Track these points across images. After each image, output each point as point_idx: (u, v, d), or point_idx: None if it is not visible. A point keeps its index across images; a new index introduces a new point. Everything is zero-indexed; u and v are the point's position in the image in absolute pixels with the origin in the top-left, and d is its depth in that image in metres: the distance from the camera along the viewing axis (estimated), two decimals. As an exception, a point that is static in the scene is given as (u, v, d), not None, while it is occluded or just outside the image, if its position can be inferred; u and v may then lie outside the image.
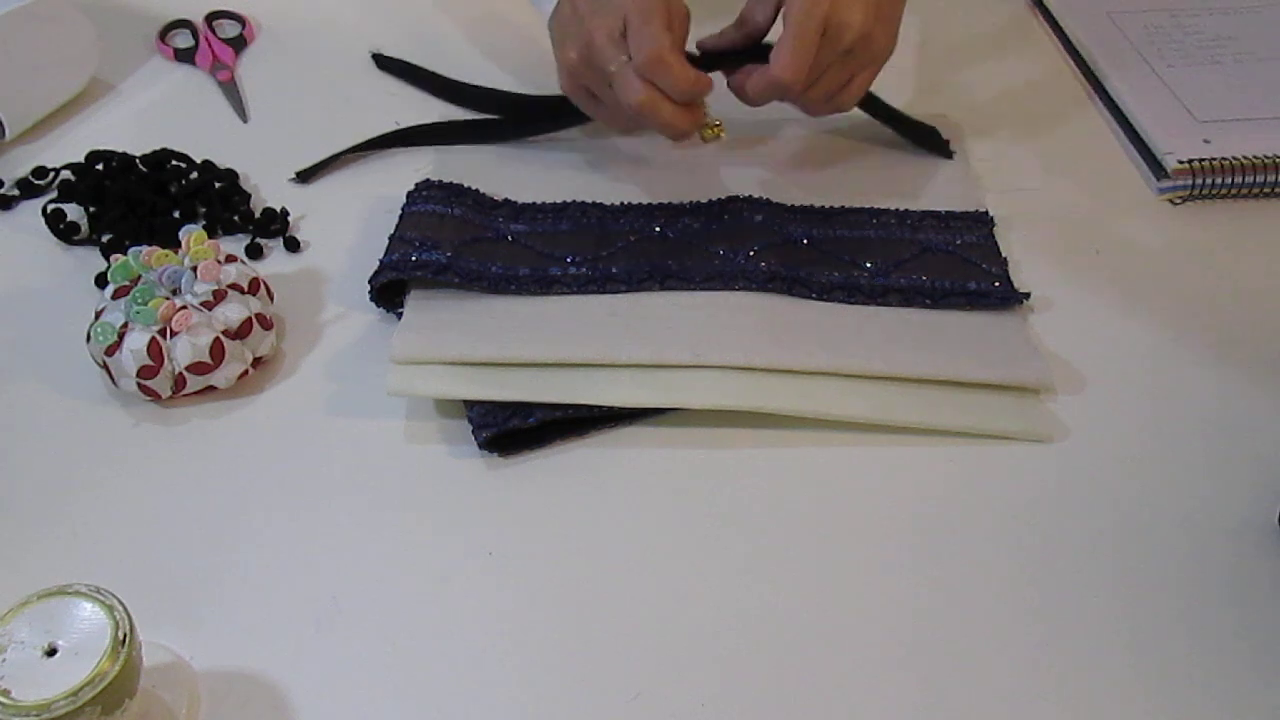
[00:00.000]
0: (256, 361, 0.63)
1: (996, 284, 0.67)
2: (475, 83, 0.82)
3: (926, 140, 0.78)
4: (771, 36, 0.68)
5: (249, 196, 0.74)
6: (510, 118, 0.79)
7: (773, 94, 0.68)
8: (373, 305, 0.66)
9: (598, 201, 0.72)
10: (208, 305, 0.61)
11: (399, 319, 0.64)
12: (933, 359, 0.62)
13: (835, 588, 0.54)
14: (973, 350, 0.63)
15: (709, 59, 0.70)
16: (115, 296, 0.61)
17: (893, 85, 0.84)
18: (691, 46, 0.69)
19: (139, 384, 0.60)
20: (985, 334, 0.64)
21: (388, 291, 0.66)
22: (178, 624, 0.52)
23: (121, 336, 0.59)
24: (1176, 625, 0.53)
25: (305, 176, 0.75)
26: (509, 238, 0.69)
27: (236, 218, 0.72)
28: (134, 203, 0.71)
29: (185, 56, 0.86)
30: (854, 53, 0.67)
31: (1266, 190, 0.75)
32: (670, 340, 0.61)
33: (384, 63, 0.85)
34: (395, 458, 0.60)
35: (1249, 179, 0.74)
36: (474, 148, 0.78)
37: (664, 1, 0.66)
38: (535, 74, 0.82)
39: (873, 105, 0.77)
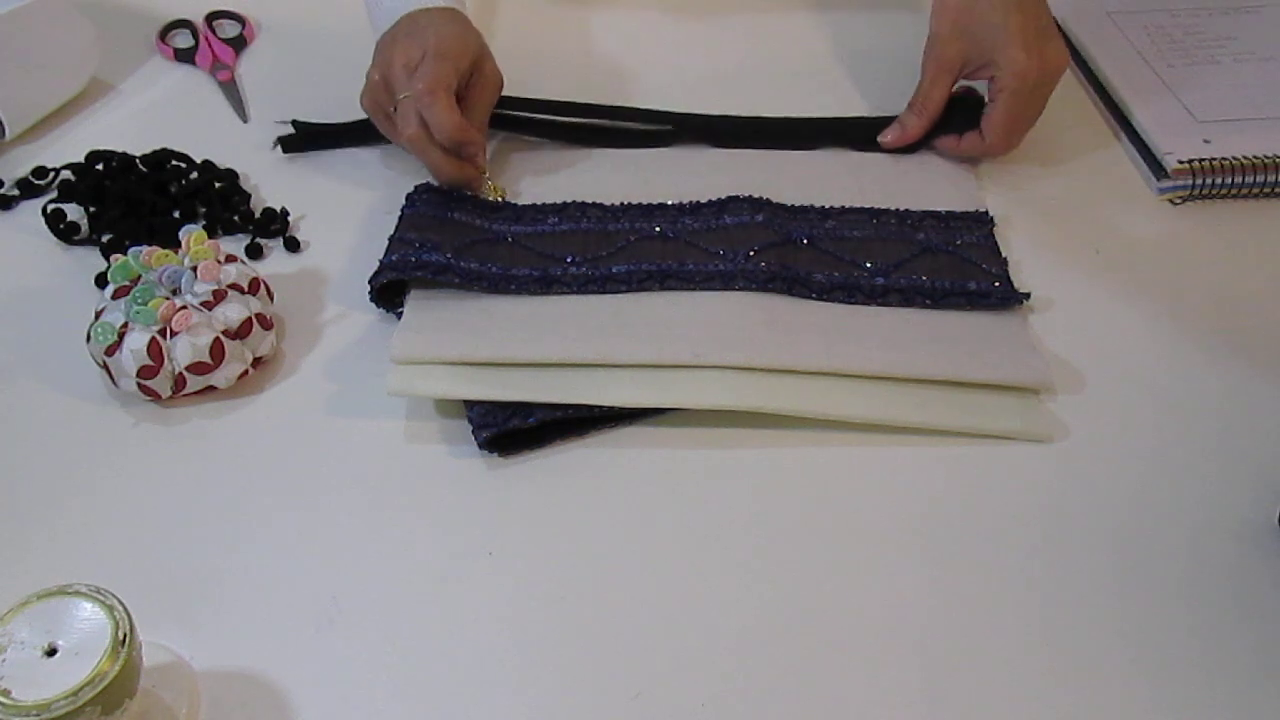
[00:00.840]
0: (256, 361, 0.63)
1: (996, 284, 0.67)
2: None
3: (973, 111, 0.77)
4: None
5: (249, 196, 0.74)
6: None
7: (975, 156, 0.75)
8: (373, 305, 0.66)
9: (598, 202, 0.72)
10: (208, 305, 0.61)
11: (399, 319, 0.64)
12: (933, 359, 0.62)
13: (835, 587, 0.54)
14: (973, 350, 0.63)
15: (509, 121, 0.76)
16: (115, 296, 0.61)
17: (893, 87, 0.84)
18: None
19: (139, 384, 0.60)
20: (985, 334, 0.64)
21: (388, 292, 0.66)
22: (178, 624, 0.52)
23: (121, 336, 0.59)
24: (1177, 625, 0.53)
25: (288, 145, 0.76)
26: (509, 238, 0.69)
27: (236, 218, 0.72)
28: (134, 203, 0.71)
29: (185, 56, 0.86)
30: (1046, 92, 0.74)
31: (1266, 190, 0.75)
32: (670, 340, 0.61)
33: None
34: (395, 458, 0.60)
35: (1249, 179, 0.74)
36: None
37: (467, 53, 0.70)
38: (533, 79, 0.82)
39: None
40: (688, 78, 0.83)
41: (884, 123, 0.78)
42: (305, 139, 0.78)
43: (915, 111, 0.75)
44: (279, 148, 0.77)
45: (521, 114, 0.78)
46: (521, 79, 0.78)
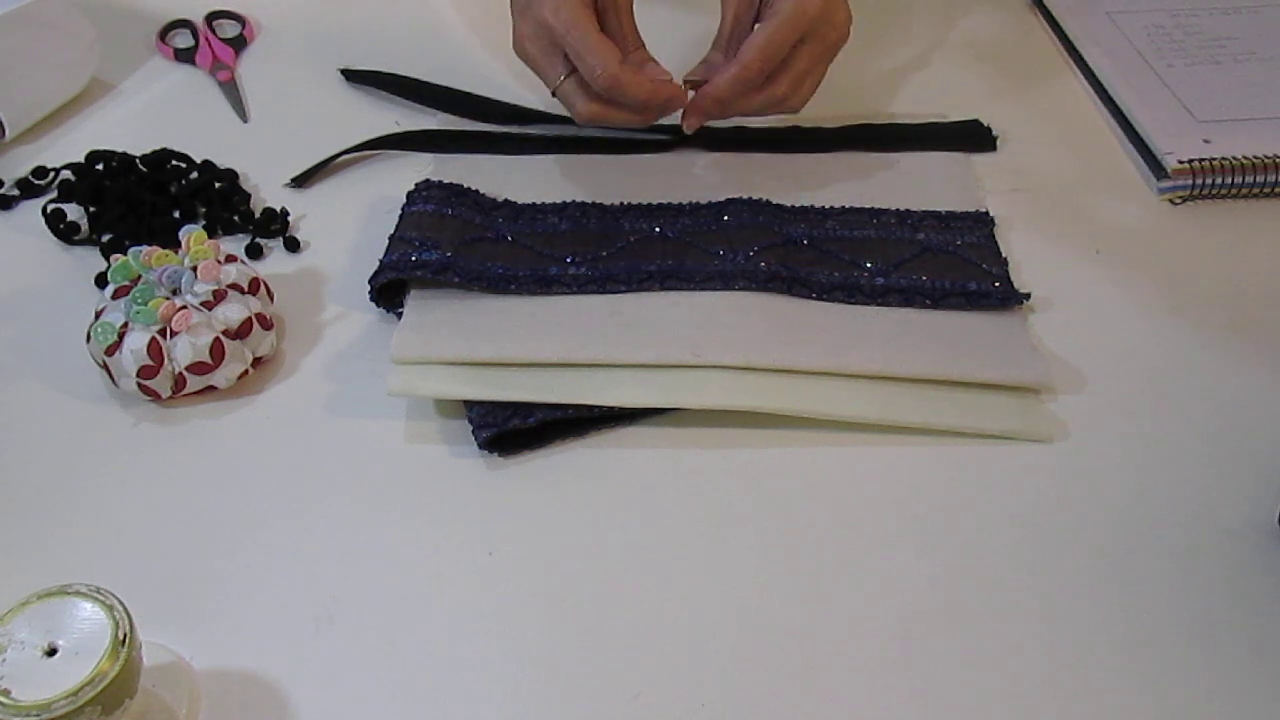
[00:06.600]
0: (256, 361, 0.63)
1: (996, 284, 0.67)
2: (471, 86, 0.82)
3: (968, 137, 0.79)
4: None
5: (249, 196, 0.74)
6: (506, 117, 0.79)
7: (739, 89, 0.67)
8: (373, 305, 0.66)
9: (598, 202, 0.72)
10: (208, 305, 0.61)
11: (399, 319, 0.64)
12: (933, 359, 0.62)
13: (835, 588, 0.54)
14: (973, 350, 0.63)
15: (507, 142, 0.75)
16: (115, 296, 0.61)
17: (893, 86, 0.84)
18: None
19: (139, 384, 0.60)
20: (985, 334, 0.64)
21: (388, 291, 0.66)
22: (178, 624, 0.52)
23: (121, 336, 0.59)
24: (1176, 625, 0.53)
25: (300, 181, 0.75)
26: (509, 238, 0.69)
27: (236, 218, 0.72)
28: (134, 203, 0.71)
29: (185, 56, 0.86)
30: (821, 45, 0.68)
31: (1266, 190, 0.75)
32: (670, 340, 0.61)
33: (354, 76, 0.84)
34: (395, 458, 0.60)
35: (1249, 179, 0.74)
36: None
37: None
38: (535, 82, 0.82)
39: (895, 133, 0.78)
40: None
41: (888, 127, 0.78)
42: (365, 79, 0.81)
43: (719, 49, 0.70)
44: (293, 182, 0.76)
45: (514, 130, 0.78)
46: (518, 83, 0.79)
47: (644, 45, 0.69)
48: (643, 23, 0.70)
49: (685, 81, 0.69)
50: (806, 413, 0.60)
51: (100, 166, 0.74)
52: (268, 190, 0.75)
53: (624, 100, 0.65)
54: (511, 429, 0.59)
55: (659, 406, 0.60)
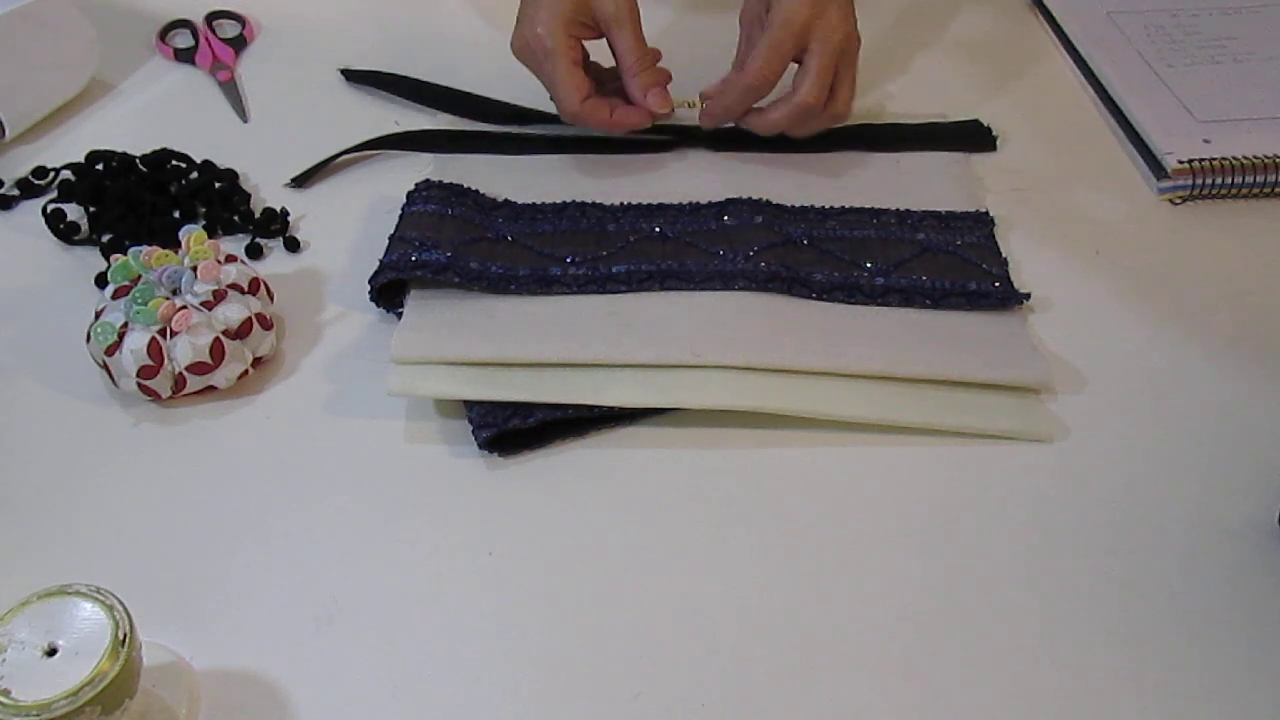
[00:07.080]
0: (256, 361, 0.63)
1: (996, 284, 0.67)
2: (471, 86, 0.82)
3: (968, 137, 0.79)
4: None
5: (249, 196, 0.74)
6: (506, 117, 0.80)
7: (790, 118, 0.71)
8: (373, 305, 0.66)
9: (598, 202, 0.72)
10: (208, 305, 0.61)
11: (399, 319, 0.64)
12: (933, 359, 0.62)
13: (835, 588, 0.54)
14: (973, 350, 0.63)
15: (508, 142, 0.77)
16: (115, 296, 0.61)
17: (893, 86, 0.84)
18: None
19: (139, 384, 0.60)
20: (985, 334, 0.64)
21: (388, 291, 0.66)
22: (178, 624, 0.52)
23: (121, 336, 0.59)
24: (1176, 625, 0.53)
25: (300, 181, 0.75)
26: (509, 238, 0.69)
27: (236, 218, 0.72)
28: (134, 203, 0.71)
29: (185, 56, 0.86)
30: (826, 47, 0.70)
31: (1266, 190, 0.75)
32: (670, 340, 0.61)
33: (354, 76, 0.84)
34: (395, 458, 0.60)
35: (1249, 179, 0.74)
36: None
37: (569, 24, 0.69)
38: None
39: (895, 133, 0.79)
40: (690, 79, 0.83)
41: (888, 127, 0.78)
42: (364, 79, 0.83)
43: (738, 68, 0.73)
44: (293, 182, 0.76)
45: (514, 131, 0.78)
46: (518, 83, 0.78)
47: (650, 64, 0.71)
48: (655, 27, 0.70)
49: (700, 95, 0.73)
50: (806, 413, 0.60)
51: (100, 166, 0.74)
52: (268, 190, 0.75)
53: (589, 129, 0.71)
54: (511, 429, 0.59)
55: (659, 406, 0.60)
